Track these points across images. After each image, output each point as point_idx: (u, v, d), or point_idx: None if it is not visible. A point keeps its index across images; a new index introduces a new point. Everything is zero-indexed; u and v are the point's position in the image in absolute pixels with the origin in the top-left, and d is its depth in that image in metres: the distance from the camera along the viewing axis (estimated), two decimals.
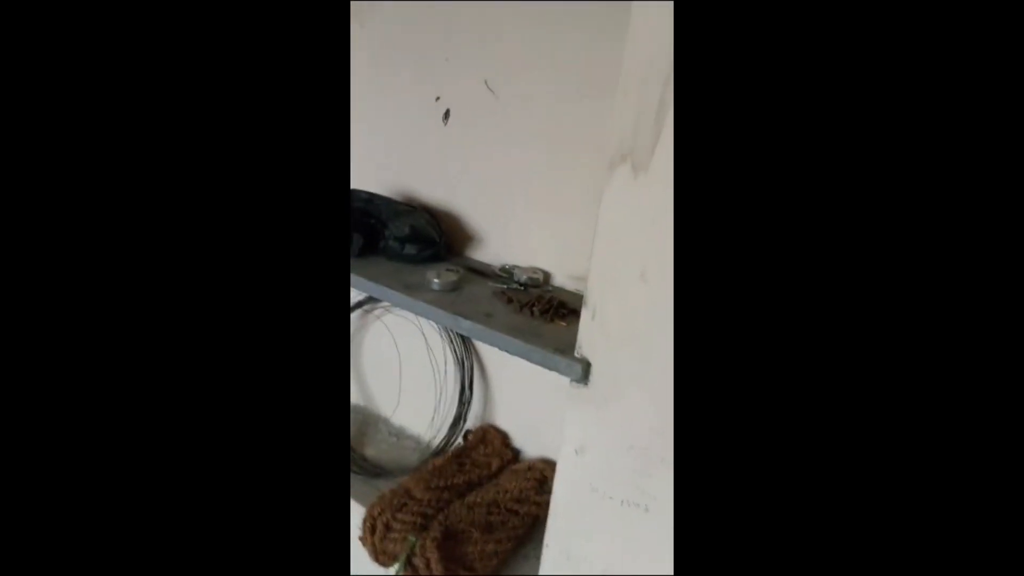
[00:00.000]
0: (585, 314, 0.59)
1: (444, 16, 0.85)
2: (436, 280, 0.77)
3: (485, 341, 0.68)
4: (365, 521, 0.82)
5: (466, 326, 0.69)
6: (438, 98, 0.90)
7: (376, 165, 0.98)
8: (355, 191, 0.89)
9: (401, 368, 1.07)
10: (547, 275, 0.85)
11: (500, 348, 0.66)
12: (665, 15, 0.47)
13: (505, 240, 0.90)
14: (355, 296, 1.06)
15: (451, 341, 0.96)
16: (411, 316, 1.01)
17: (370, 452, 1.04)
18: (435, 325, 0.98)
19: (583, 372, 0.60)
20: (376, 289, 0.77)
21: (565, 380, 0.62)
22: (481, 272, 0.85)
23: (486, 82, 0.84)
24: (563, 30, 0.75)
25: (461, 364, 0.95)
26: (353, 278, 0.79)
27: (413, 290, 0.75)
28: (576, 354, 0.61)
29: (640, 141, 0.51)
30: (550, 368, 0.63)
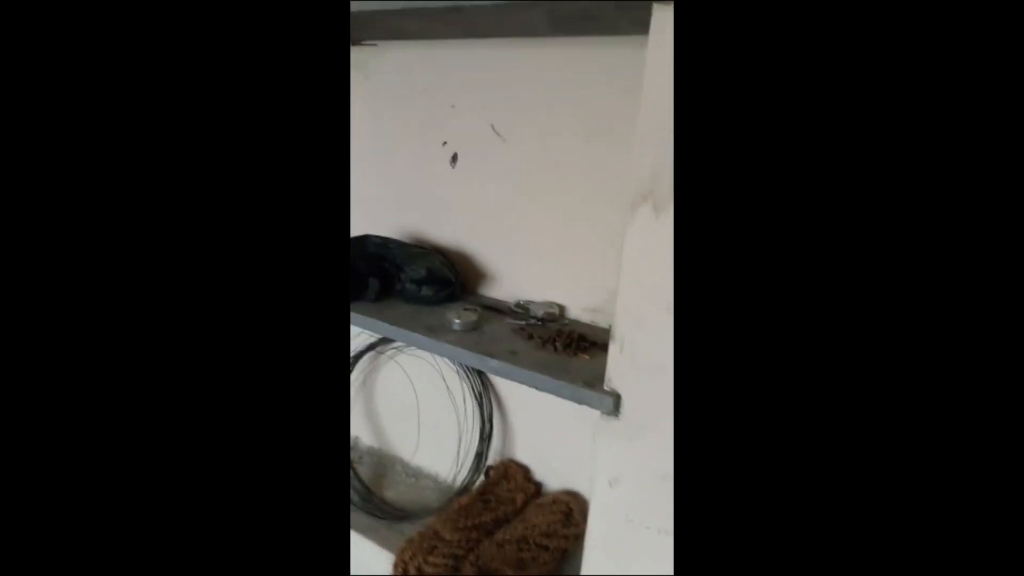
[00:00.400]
0: (613, 348, 0.61)
1: (448, 64, 0.89)
2: (457, 320, 0.78)
3: (514, 379, 0.69)
4: (396, 566, 0.81)
5: (493, 365, 0.70)
6: (445, 143, 0.93)
7: (387, 209, 1.01)
8: (368, 236, 0.91)
9: (419, 408, 1.07)
10: (562, 308, 0.87)
11: (529, 385, 0.68)
12: None
13: (517, 276, 0.92)
14: (367, 338, 1.07)
15: (468, 378, 0.97)
16: (426, 355, 1.02)
17: (390, 495, 1.04)
18: (450, 363, 0.99)
19: (614, 405, 0.62)
20: (399, 333, 0.78)
21: (584, 410, 0.63)
22: (497, 309, 0.87)
23: (492, 126, 0.88)
24: (568, 74, 0.79)
25: (480, 400, 0.96)
26: (374, 323, 0.80)
27: (436, 332, 0.77)
28: (606, 387, 0.63)
29: (660, 182, 0.54)
30: (581, 402, 0.64)
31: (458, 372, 0.99)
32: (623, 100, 0.75)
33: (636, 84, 0.73)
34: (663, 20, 0.51)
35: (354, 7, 0.67)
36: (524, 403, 0.97)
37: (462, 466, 1.00)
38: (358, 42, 0.95)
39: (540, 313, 0.84)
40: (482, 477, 0.99)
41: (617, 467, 0.64)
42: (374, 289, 0.85)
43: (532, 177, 0.86)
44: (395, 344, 1.06)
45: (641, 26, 0.61)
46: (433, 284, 0.86)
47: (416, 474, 1.11)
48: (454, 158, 0.93)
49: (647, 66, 0.52)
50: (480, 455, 0.98)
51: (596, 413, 0.64)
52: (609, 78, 0.75)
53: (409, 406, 1.09)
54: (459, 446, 1.01)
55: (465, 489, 0.98)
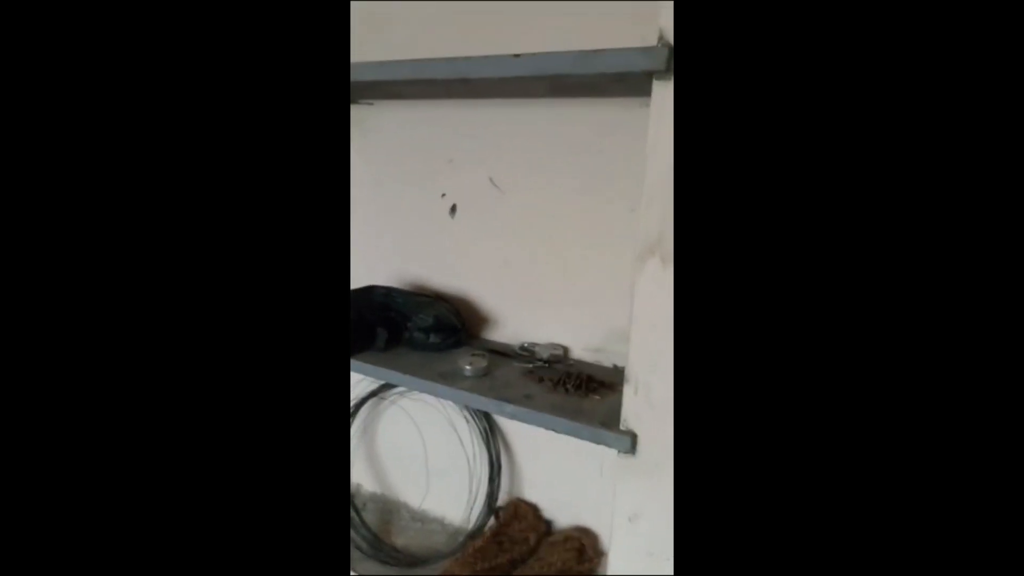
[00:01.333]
0: (628, 389, 0.65)
1: (446, 122, 0.93)
2: (468, 367, 0.81)
3: (532, 423, 0.72)
4: None
5: (510, 410, 0.73)
6: (444, 194, 0.97)
7: (388, 260, 1.04)
8: (374, 287, 0.93)
9: (426, 452, 1.09)
10: (566, 349, 0.91)
11: (548, 428, 0.71)
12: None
13: (520, 319, 0.95)
14: (368, 385, 1.09)
15: (476, 421, 0.99)
16: (432, 400, 1.04)
17: (399, 542, 1.04)
18: (455, 406, 1.02)
19: (631, 444, 0.65)
20: (412, 381, 0.80)
21: (588, 446, 0.67)
22: (503, 353, 0.90)
23: (491, 179, 0.92)
24: (564, 131, 0.84)
25: (487, 442, 0.98)
26: (386, 372, 0.82)
27: (449, 378, 0.79)
28: (622, 427, 0.66)
29: (665, 239, 0.59)
30: (599, 442, 0.68)
31: (465, 415, 1.01)
32: (617, 155, 0.80)
33: (629, 141, 0.79)
34: (663, 95, 0.56)
35: (362, 74, 0.72)
36: (530, 442, 0.99)
37: (473, 508, 1.02)
38: (356, 101, 0.99)
39: (546, 355, 0.88)
40: (492, 519, 1.00)
41: (637, 504, 0.67)
42: (383, 339, 0.88)
43: (530, 226, 0.90)
44: (397, 390, 1.08)
45: (635, 91, 0.68)
46: (440, 331, 0.89)
47: (423, 518, 1.11)
48: (453, 209, 0.97)
49: (649, 137, 0.57)
50: (490, 496, 0.99)
51: (602, 450, 0.67)
52: (603, 135, 0.81)
53: (415, 451, 1.10)
54: (470, 488, 1.02)
55: (478, 531, 0.99)
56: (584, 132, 0.82)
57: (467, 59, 0.64)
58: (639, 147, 0.57)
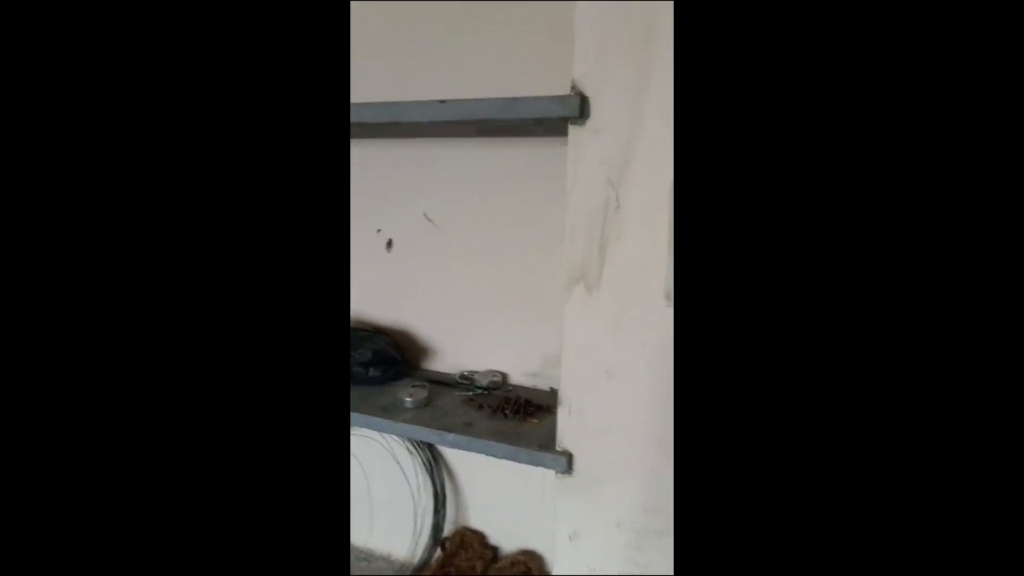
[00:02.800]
0: (561, 412, 0.69)
1: (379, 161, 0.96)
2: (409, 399, 0.82)
3: (472, 450, 0.74)
4: None
5: (451, 439, 0.75)
6: (379, 230, 0.99)
7: None
8: None
9: (370, 487, 1.07)
10: (504, 375, 0.94)
11: (487, 454, 0.73)
12: (596, 173, 0.61)
13: (458, 349, 0.98)
14: None
15: (419, 452, 1.00)
16: (374, 434, 1.04)
17: None
18: (398, 438, 1.02)
19: (567, 463, 0.68)
20: (354, 418, 0.81)
21: (531, 470, 0.69)
22: (443, 382, 0.92)
23: (425, 214, 0.95)
24: (494, 168, 0.89)
25: (431, 473, 0.99)
26: None
27: (390, 412, 0.80)
28: (558, 448, 0.69)
29: (589, 268, 0.64)
30: (537, 464, 0.70)
31: (407, 447, 1.01)
32: (544, 190, 0.85)
33: (554, 176, 0.84)
34: (578, 139, 0.61)
35: None
36: (473, 470, 1.00)
37: (419, 541, 1.01)
38: None
39: (485, 382, 0.90)
40: (439, 550, 1.00)
41: (575, 521, 0.70)
42: None
43: (465, 258, 0.94)
44: None
45: (556, 132, 0.73)
46: (380, 365, 0.89)
47: (368, 556, 1.09)
48: (389, 244, 0.99)
49: (568, 177, 0.63)
50: (436, 527, 0.99)
51: (544, 472, 0.70)
52: (530, 171, 0.86)
53: (357, 487, 1.09)
54: (415, 521, 1.02)
55: (424, 564, 0.99)
56: (512, 169, 0.87)
57: (395, 104, 0.68)
58: (562, 181, 0.62)
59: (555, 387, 0.91)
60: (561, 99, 0.60)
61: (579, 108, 0.60)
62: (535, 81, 0.79)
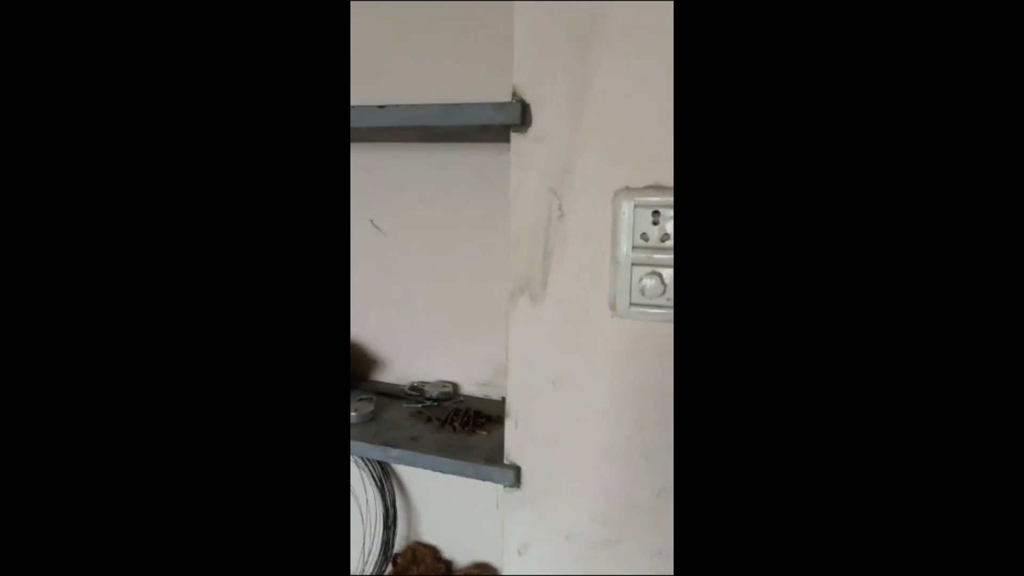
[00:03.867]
0: (508, 424, 0.67)
1: None
2: (354, 413, 0.79)
3: (417, 465, 0.72)
4: None
5: (396, 455, 0.72)
6: None
7: None
8: None
9: None
10: (455, 386, 0.92)
11: (433, 469, 0.71)
12: (539, 182, 0.60)
13: (408, 359, 0.95)
14: None
15: (368, 466, 0.97)
16: None
17: None
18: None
19: (515, 477, 0.67)
20: None
21: (485, 485, 0.68)
22: (391, 395, 0.89)
23: (372, 221, 0.92)
24: (440, 174, 0.87)
25: (381, 488, 0.96)
26: None
27: None
28: (506, 461, 0.68)
29: (534, 278, 0.62)
30: (484, 479, 0.69)
31: (356, 461, 0.98)
32: (490, 197, 0.84)
33: (499, 180, 0.83)
34: (520, 147, 0.60)
35: None
36: (425, 482, 0.98)
37: (368, 558, 0.98)
38: None
39: (435, 393, 0.88)
40: (390, 566, 0.97)
41: (524, 535, 0.69)
42: None
43: (414, 266, 0.91)
44: None
45: (500, 138, 0.72)
46: None
47: None
48: None
49: (512, 185, 0.61)
50: (386, 543, 0.96)
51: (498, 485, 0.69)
52: (476, 178, 0.84)
53: None
54: (363, 539, 0.99)
55: None
56: (458, 175, 0.86)
57: None
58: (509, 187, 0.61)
59: (506, 396, 0.90)
60: (502, 106, 0.59)
61: (520, 115, 0.59)
62: (482, 87, 0.78)
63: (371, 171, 0.91)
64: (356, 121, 0.65)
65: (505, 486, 0.68)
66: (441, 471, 0.71)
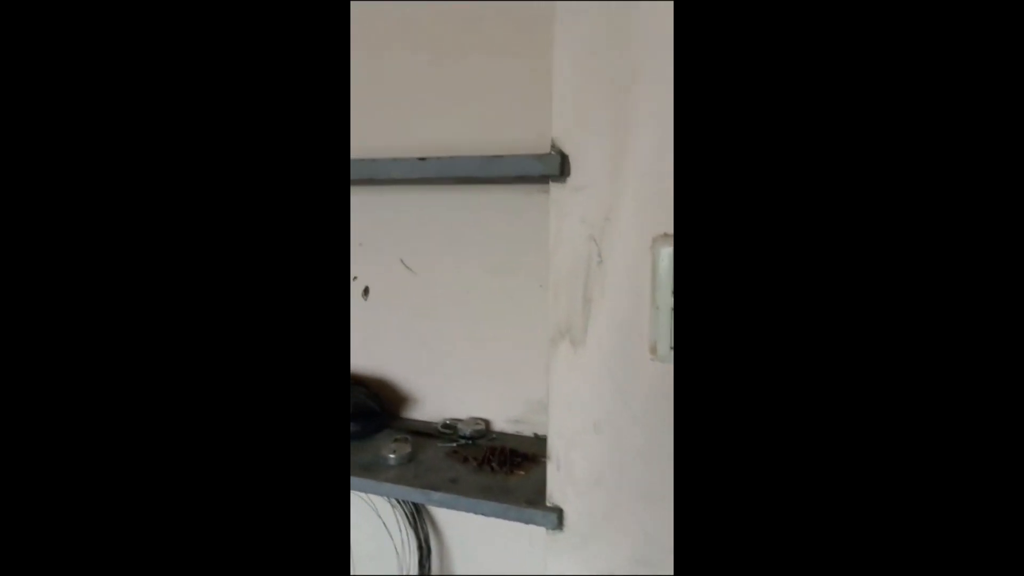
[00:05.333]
0: (550, 466, 0.68)
1: (354, 207, 0.95)
2: (392, 455, 0.80)
3: (459, 508, 0.72)
4: None
5: (437, 498, 0.73)
6: (355, 277, 0.97)
7: None
8: None
9: (351, 543, 1.03)
10: (488, 423, 0.93)
11: (475, 512, 0.71)
12: (578, 230, 0.62)
13: (439, 396, 0.96)
14: None
15: (401, 505, 0.97)
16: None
17: None
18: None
19: (558, 520, 0.68)
20: None
21: (521, 524, 0.68)
22: (425, 433, 0.90)
23: (402, 261, 0.94)
24: (473, 215, 0.88)
25: (415, 526, 0.96)
26: None
27: (373, 470, 0.78)
28: (548, 503, 0.68)
29: (574, 323, 0.64)
30: (526, 522, 0.69)
31: (390, 500, 0.98)
32: (522, 236, 0.85)
33: (532, 223, 0.85)
34: (560, 196, 0.62)
35: None
36: (458, 521, 0.98)
37: None
38: None
39: (468, 431, 0.89)
40: None
41: None
42: None
43: (444, 304, 0.93)
44: None
45: (532, 181, 0.73)
46: (360, 419, 0.87)
47: None
48: (365, 291, 0.97)
49: (551, 234, 0.63)
50: None
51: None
52: (508, 218, 0.86)
53: None
54: None
55: None
56: (489, 216, 0.87)
57: (375, 161, 0.67)
58: (541, 228, 0.62)
59: (539, 433, 0.90)
60: (541, 158, 0.61)
61: (559, 167, 0.60)
62: (513, 130, 0.80)
63: (400, 212, 0.92)
64: (397, 172, 0.66)
65: (548, 528, 0.68)
66: (483, 514, 0.71)
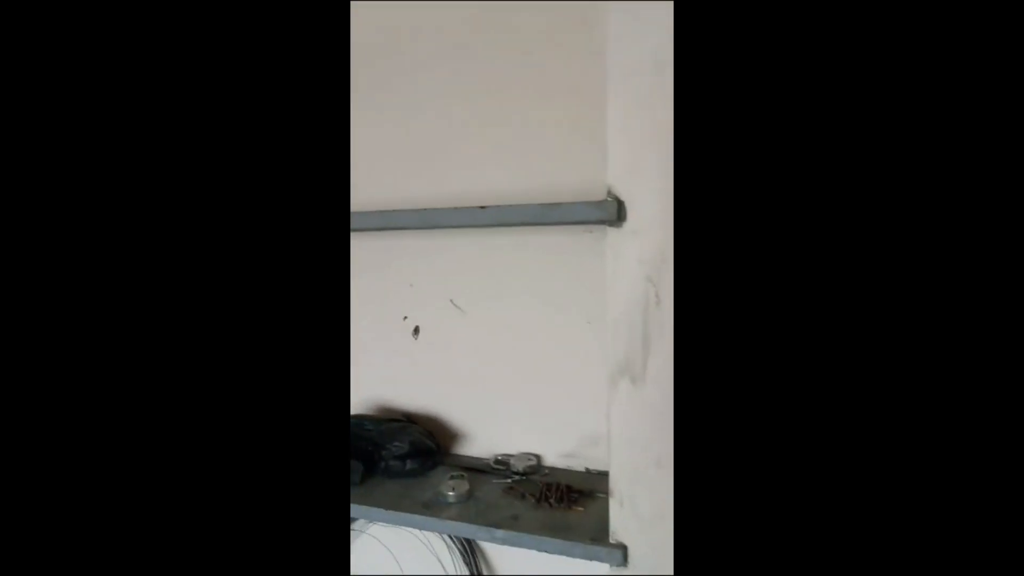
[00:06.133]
0: (613, 503, 0.69)
1: (404, 250, 0.99)
2: (451, 493, 0.82)
3: (523, 546, 0.73)
4: None
5: (500, 535, 0.74)
6: (405, 317, 1.01)
7: (355, 386, 1.04)
8: None
9: None
10: (539, 457, 0.94)
11: (538, 550, 0.72)
12: (636, 272, 0.64)
13: (490, 432, 0.98)
14: None
15: (455, 540, 0.98)
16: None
17: None
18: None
19: (623, 556, 0.68)
20: (395, 516, 0.80)
21: (580, 560, 0.69)
22: (478, 469, 0.91)
23: (452, 300, 0.97)
24: (522, 256, 0.91)
25: (469, 563, 0.97)
26: (365, 509, 0.81)
27: (433, 508, 0.79)
28: (612, 540, 0.69)
29: (634, 361, 0.66)
30: (591, 559, 0.70)
31: (443, 537, 0.99)
32: (570, 274, 0.88)
33: (580, 261, 0.87)
34: (617, 241, 0.65)
35: None
36: (512, 556, 0.99)
37: None
38: None
39: (521, 467, 0.90)
40: None
41: None
42: (358, 473, 0.87)
43: (493, 342, 0.95)
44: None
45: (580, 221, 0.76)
46: (417, 457, 0.89)
47: None
48: (416, 331, 1.00)
49: (608, 277, 0.65)
50: None
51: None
52: (556, 258, 0.89)
53: None
54: None
55: None
56: (539, 256, 0.90)
57: (436, 210, 0.71)
58: (588, 266, 0.64)
59: (591, 467, 0.91)
60: (598, 204, 0.64)
61: (616, 212, 0.63)
62: (561, 176, 0.84)
63: (449, 252, 0.96)
64: (458, 220, 0.70)
65: (612, 565, 0.69)
66: (547, 551, 0.72)
